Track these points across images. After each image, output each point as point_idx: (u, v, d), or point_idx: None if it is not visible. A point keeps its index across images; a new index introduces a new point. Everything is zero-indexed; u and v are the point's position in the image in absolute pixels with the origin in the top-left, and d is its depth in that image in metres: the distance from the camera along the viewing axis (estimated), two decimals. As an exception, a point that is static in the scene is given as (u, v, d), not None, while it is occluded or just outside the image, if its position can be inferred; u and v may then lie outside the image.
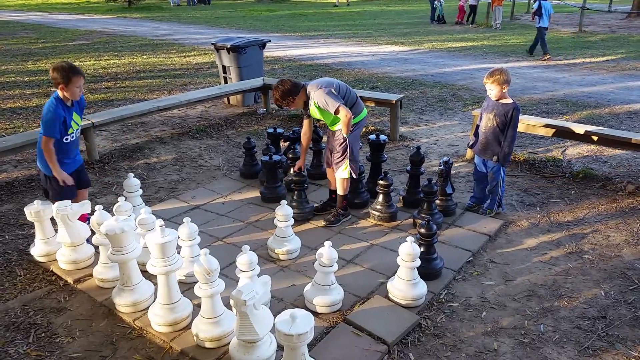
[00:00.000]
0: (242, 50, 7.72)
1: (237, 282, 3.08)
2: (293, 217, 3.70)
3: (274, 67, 11.20)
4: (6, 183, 5.13)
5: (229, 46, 7.68)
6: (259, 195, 4.71)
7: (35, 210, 3.58)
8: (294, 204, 4.22)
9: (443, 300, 3.27)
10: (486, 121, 4.18)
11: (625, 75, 10.37)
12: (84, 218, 3.69)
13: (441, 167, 4.26)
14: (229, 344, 2.71)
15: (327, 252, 3.03)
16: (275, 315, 2.48)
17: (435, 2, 20.16)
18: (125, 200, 3.59)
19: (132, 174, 4.18)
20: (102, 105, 7.98)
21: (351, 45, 14.85)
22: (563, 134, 5.28)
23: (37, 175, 5.17)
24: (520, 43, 14.59)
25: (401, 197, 4.53)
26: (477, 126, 4.37)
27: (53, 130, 3.45)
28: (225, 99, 8.08)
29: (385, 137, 4.63)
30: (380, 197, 4.23)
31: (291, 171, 4.70)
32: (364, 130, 5.83)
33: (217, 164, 5.67)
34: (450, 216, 4.30)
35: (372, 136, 4.60)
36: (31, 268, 3.67)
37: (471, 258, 3.73)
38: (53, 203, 3.50)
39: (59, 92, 3.50)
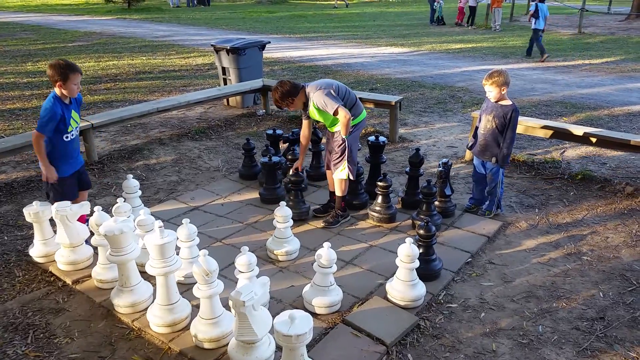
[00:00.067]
0: (242, 51, 7.72)
1: (236, 283, 3.08)
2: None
3: (273, 69, 11.21)
4: (5, 184, 5.13)
5: (228, 47, 7.68)
6: (258, 196, 4.71)
7: (34, 211, 3.58)
8: (291, 203, 4.22)
9: (442, 301, 3.28)
10: (485, 123, 4.19)
11: (624, 77, 10.39)
12: (83, 219, 3.69)
13: (440, 169, 4.27)
14: (227, 344, 2.71)
15: (326, 253, 3.04)
16: (274, 316, 2.49)
17: (435, 4, 20.18)
18: (124, 201, 3.59)
19: (131, 175, 4.18)
20: (102, 107, 7.98)
21: (350, 46, 14.86)
22: (562, 135, 5.28)
23: (36, 177, 5.19)
24: (519, 45, 14.61)
25: (400, 199, 4.53)
26: (476, 128, 4.38)
27: (46, 128, 3.45)
28: (225, 100, 8.08)
29: (385, 138, 4.64)
30: (380, 199, 4.23)
31: (290, 171, 4.70)
32: (363, 131, 5.84)
33: (217, 165, 5.67)
34: (449, 217, 4.30)
35: (372, 137, 4.61)
36: (30, 269, 3.67)
37: (470, 259, 3.73)
38: (53, 204, 3.50)
39: (57, 90, 3.49)
